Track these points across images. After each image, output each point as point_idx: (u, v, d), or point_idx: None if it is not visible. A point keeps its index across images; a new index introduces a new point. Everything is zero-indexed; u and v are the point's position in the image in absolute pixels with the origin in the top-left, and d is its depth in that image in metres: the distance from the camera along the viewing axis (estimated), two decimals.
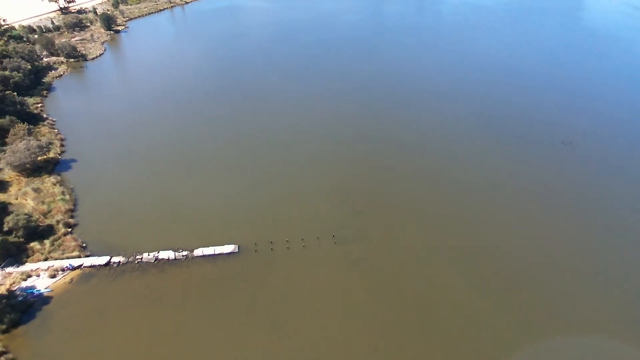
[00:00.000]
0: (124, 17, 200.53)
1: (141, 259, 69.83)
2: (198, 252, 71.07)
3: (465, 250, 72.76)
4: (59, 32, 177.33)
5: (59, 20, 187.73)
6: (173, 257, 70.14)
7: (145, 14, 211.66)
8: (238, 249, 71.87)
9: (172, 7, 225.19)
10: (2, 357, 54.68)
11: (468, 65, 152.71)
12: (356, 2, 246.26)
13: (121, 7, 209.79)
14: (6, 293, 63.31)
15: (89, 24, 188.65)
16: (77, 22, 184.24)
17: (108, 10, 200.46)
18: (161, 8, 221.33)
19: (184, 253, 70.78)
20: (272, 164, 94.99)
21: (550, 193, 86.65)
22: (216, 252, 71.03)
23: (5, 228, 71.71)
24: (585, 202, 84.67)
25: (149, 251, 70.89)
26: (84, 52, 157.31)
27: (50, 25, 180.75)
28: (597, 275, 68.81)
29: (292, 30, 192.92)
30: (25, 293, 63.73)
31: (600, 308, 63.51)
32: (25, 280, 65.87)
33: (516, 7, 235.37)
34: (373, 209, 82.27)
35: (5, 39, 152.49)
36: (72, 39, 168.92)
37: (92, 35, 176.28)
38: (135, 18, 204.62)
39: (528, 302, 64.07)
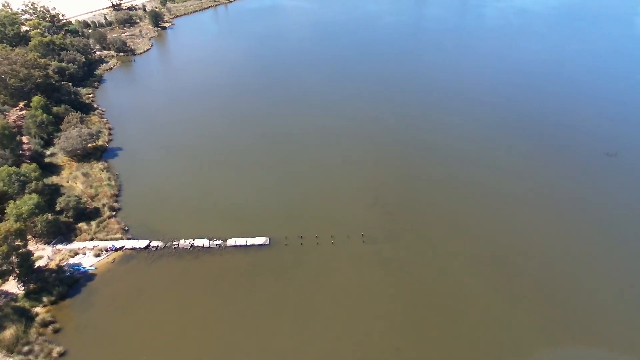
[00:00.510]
0: (170, 15, 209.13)
1: (178, 245, 73.37)
2: (231, 242, 73.85)
3: (495, 257, 71.64)
4: (110, 28, 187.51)
5: (111, 16, 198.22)
6: (207, 245, 73.25)
7: (191, 12, 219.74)
8: (269, 241, 74.07)
9: (216, 5, 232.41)
10: (50, 326, 59.22)
11: (509, 70, 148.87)
12: (396, 4, 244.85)
13: (168, 4, 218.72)
14: (56, 268, 68.42)
15: (138, 21, 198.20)
16: (127, 19, 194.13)
17: (156, 7, 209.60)
18: (206, 6, 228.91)
19: (218, 242, 73.75)
20: (306, 161, 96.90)
21: (590, 205, 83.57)
22: (248, 243, 73.54)
23: (57, 208, 77.24)
24: (627, 217, 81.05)
25: (185, 238, 74.33)
26: (132, 47, 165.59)
27: (103, 21, 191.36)
28: (635, 295, 65.94)
29: (331, 31, 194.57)
30: (72, 269, 68.55)
31: (634, 326, 60.94)
32: (72, 257, 70.80)
33: (565, 12, 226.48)
34: (403, 211, 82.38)
35: (63, 32, 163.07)
36: (123, 34, 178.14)
37: (140, 31, 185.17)
38: (181, 15, 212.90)
39: (556, 312, 62.33)
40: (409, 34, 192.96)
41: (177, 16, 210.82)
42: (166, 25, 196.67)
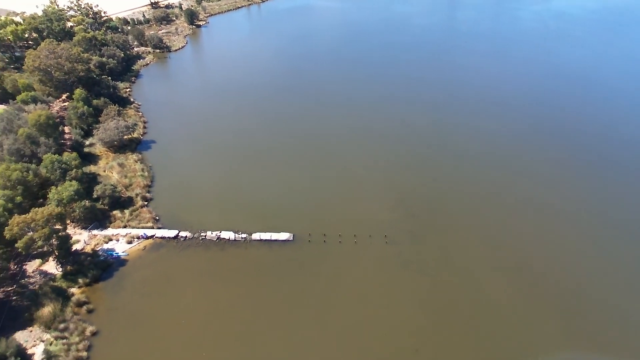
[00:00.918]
0: (205, 13, 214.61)
1: (205, 236, 75.85)
2: (256, 236, 75.71)
3: (519, 266, 70.45)
4: (148, 25, 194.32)
5: (149, 14, 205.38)
6: (233, 238, 75.38)
7: (225, 11, 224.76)
8: (293, 237, 75.47)
9: (249, 5, 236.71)
10: (84, 306, 62.62)
11: (544, 76, 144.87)
12: (429, 6, 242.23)
13: (204, 3, 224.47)
14: (91, 252, 72.17)
15: (174, 18, 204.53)
16: (164, 16, 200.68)
17: (192, 6, 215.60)
18: (239, 5, 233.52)
19: (243, 235, 75.76)
20: (332, 161, 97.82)
21: (622, 221, 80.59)
22: (272, 238, 75.19)
23: (94, 195, 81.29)
24: None
25: (212, 230, 76.73)
26: (168, 44, 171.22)
27: (142, 18, 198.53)
28: None
29: (362, 32, 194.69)
30: (106, 254, 72.11)
31: None
32: (106, 242, 74.44)
33: (606, 16, 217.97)
34: (428, 213, 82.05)
35: (104, 29, 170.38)
36: (159, 32, 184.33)
37: (176, 29, 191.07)
38: (216, 14, 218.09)
39: (578, 324, 60.85)
40: (439, 36, 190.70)
41: (212, 14, 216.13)
42: (201, 23, 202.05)
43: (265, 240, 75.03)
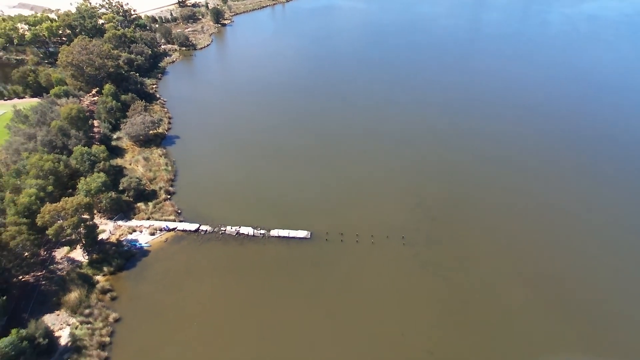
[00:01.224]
0: (230, 12, 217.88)
1: (224, 230, 77.46)
2: (274, 232, 76.85)
3: (536, 272, 69.46)
4: (175, 23, 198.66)
5: (176, 12, 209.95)
6: (252, 234, 76.73)
7: (250, 10, 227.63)
8: (310, 235, 76.27)
9: (273, 4, 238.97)
10: (108, 294, 65.03)
11: (573, 81, 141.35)
12: (454, 7, 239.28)
13: (229, 2, 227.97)
14: (116, 242, 74.73)
15: (200, 17, 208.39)
16: (191, 15, 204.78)
17: (218, 5, 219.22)
18: (264, 5, 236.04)
19: (262, 231, 77.03)
20: (352, 161, 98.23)
21: None
22: (290, 235, 76.18)
23: (120, 187, 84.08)
24: None
25: (232, 225, 78.26)
26: (194, 42, 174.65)
27: (169, 17, 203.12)
28: None
29: (386, 32, 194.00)
30: (130, 244, 74.55)
31: None
32: (131, 233, 76.95)
33: None
34: (447, 217, 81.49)
35: (134, 26, 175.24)
36: (186, 30, 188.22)
37: (202, 27, 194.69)
38: (241, 13, 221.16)
39: (598, 337, 59.44)
40: (465, 38, 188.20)
41: (237, 14, 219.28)
42: (226, 22, 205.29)
43: (283, 237, 76.08)
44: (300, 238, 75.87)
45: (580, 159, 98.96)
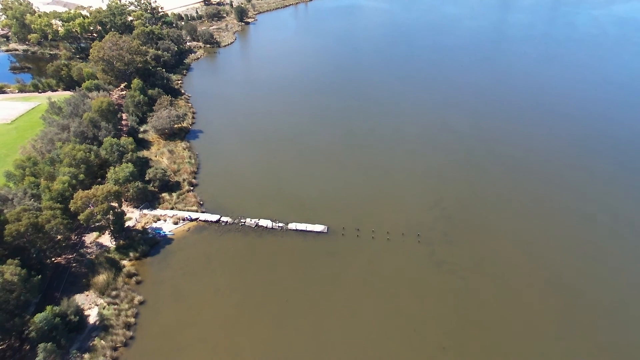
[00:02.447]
0: (254, 11, 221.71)
1: (244, 222, 79.99)
2: (292, 225, 78.94)
3: (553, 276, 69.28)
4: (200, 21, 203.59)
5: (202, 10, 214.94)
6: (270, 226, 79.01)
7: (273, 9, 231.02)
8: (327, 230, 78.01)
9: (296, 3, 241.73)
10: (133, 278, 68.28)
11: (598, 84, 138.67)
12: (479, 8, 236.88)
13: (253, 1, 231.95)
14: (141, 229, 78.15)
15: (225, 15, 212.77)
16: (216, 13, 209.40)
17: (242, 3, 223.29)
18: (287, 4, 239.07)
19: (280, 224, 79.23)
20: (370, 158, 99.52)
21: None
22: (307, 229, 78.11)
23: (146, 178, 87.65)
24: None
25: (251, 217, 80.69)
26: (218, 40, 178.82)
27: (195, 14, 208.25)
28: None
29: (408, 33, 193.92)
30: (154, 232, 77.85)
31: None
32: (155, 222, 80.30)
33: None
34: (464, 217, 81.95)
35: (161, 24, 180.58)
36: (210, 27, 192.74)
37: (226, 25, 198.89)
38: (264, 12, 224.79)
39: (610, 344, 59.19)
40: (489, 39, 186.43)
41: (260, 12, 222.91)
42: (249, 20, 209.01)
43: (301, 230, 78.07)
44: (317, 232, 77.70)
45: (605, 165, 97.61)
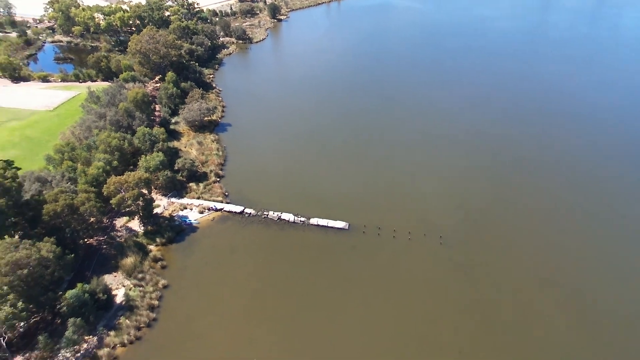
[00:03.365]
0: (287, 8, 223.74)
1: (267, 215, 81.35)
2: (314, 220, 79.64)
3: (573, 288, 67.07)
4: (234, 17, 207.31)
5: (236, 6, 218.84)
6: (292, 220, 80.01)
7: (306, 6, 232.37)
8: (348, 226, 78.27)
9: (329, 1, 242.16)
10: (159, 262, 70.79)
11: None
12: (515, 8, 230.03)
13: None
14: (168, 217, 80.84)
15: (258, 12, 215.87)
16: (249, 10, 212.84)
17: (275, 0, 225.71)
18: (320, 2, 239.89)
19: (302, 219, 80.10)
20: (395, 158, 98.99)
21: None
22: (329, 225, 78.61)
23: (175, 167, 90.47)
24: None
25: (274, 210, 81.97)
26: (250, 36, 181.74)
27: (229, 11, 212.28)
28: None
29: (441, 34, 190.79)
30: (180, 220, 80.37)
31: None
32: (182, 210, 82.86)
33: None
34: (488, 221, 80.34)
35: (196, 19, 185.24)
36: (244, 24, 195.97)
37: (259, 22, 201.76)
38: (297, 9, 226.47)
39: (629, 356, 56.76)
40: (525, 41, 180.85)
41: (293, 10, 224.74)
42: (282, 17, 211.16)
43: (322, 225, 78.64)
44: (338, 228, 78.07)
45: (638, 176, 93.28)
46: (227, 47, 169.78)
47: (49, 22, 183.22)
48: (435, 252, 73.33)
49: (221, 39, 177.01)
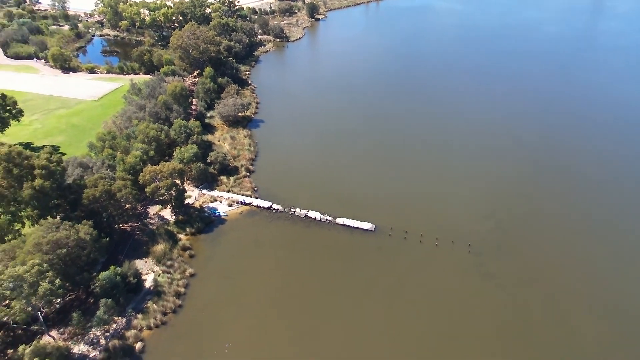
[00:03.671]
0: (325, 8, 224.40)
1: (294, 212, 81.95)
2: (340, 220, 79.49)
3: (611, 305, 63.41)
4: (272, 16, 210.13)
5: (275, 5, 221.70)
6: (319, 218, 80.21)
7: (344, 6, 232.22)
8: (375, 228, 77.59)
9: (368, 2, 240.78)
10: (187, 251, 72.90)
11: None
12: (565, 13, 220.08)
13: None
14: (199, 208, 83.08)
15: (296, 11, 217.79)
16: (288, 9, 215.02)
17: (314, 0, 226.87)
18: (358, 2, 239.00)
19: (329, 218, 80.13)
20: (427, 162, 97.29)
21: None
22: (355, 225, 78.22)
23: (208, 160, 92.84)
24: None
25: (301, 208, 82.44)
26: (288, 34, 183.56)
27: (268, 9, 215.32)
28: None
29: (481, 37, 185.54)
30: (210, 212, 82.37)
31: None
32: (212, 202, 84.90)
33: None
34: (520, 231, 77.43)
35: (235, 16, 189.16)
36: (282, 22, 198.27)
37: (297, 21, 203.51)
38: (335, 9, 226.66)
39: None
40: (573, 47, 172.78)
41: (331, 9, 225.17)
42: (320, 17, 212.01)
43: (348, 226, 78.37)
44: (364, 229, 77.56)
45: None
46: (265, 45, 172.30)
47: (98, 16, 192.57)
48: (463, 260, 71.42)
49: (259, 36, 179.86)
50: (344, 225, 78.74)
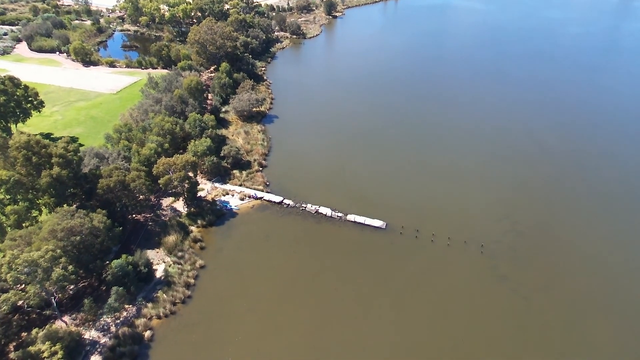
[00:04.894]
0: (343, 5, 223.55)
1: (305, 207, 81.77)
2: (351, 217, 78.97)
3: (625, 309, 61.31)
4: (290, 13, 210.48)
5: (292, 2, 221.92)
6: (329, 215, 79.83)
7: (362, 4, 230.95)
8: (386, 226, 76.80)
9: (387, 0, 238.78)
10: (198, 243, 73.42)
11: None
12: (588, 12, 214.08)
13: None
14: (211, 200, 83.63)
15: (314, 8, 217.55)
16: (305, 6, 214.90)
17: None
18: (377, 0, 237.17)
19: (339, 214, 79.68)
20: (441, 162, 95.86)
21: None
22: (366, 222, 77.59)
23: (221, 154, 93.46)
24: None
25: (312, 203, 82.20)
26: (304, 31, 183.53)
27: (285, 6, 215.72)
28: None
29: (502, 37, 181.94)
30: (222, 205, 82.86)
31: None
32: (224, 195, 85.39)
33: None
34: (536, 234, 75.54)
35: (253, 13, 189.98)
36: (299, 19, 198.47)
37: (314, 18, 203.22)
38: (353, 7, 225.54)
39: None
40: (597, 49, 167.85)
41: (349, 7, 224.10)
42: (337, 14, 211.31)
43: (359, 222, 77.78)
44: (375, 227, 76.86)
45: None
46: (281, 42, 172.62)
47: (119, 12, 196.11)
48: (475, 261, 70.10)
49: (276, 33, 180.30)
50: (354, 222, 78.19)
